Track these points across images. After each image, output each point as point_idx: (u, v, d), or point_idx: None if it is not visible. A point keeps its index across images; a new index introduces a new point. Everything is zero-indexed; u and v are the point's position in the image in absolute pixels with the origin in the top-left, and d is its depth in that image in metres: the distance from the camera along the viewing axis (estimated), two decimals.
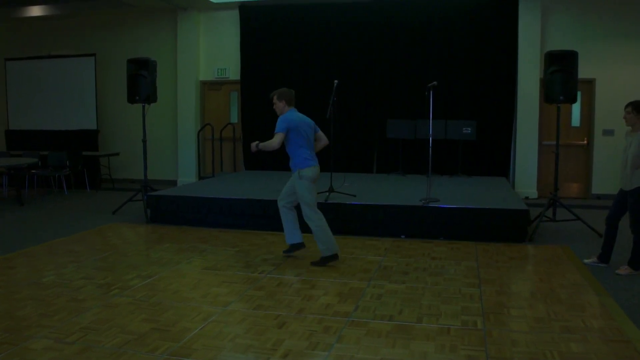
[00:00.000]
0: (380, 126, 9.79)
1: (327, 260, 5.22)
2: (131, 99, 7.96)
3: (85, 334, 3.56)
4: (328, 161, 7.03)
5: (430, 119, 6.70)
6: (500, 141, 9.52)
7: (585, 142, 9.52)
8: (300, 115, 5.28)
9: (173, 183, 10.69)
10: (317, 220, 5.16)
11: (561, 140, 7.37)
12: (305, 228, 5.38)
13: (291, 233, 5.44)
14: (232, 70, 10.75)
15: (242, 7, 10.45)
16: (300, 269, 5.14)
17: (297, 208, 5.37)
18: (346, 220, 6.59)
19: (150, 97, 7.89)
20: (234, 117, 11.03)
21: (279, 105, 5.23)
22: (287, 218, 5.41)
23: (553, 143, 7.32)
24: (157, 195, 7.43)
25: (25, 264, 5.30)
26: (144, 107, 8.00)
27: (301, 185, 5.15)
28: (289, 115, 5.17)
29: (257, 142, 5.18)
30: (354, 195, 6.95)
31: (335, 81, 6.88)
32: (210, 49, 10.89)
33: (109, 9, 10.85)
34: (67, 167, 10.02)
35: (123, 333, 3.57)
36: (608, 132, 9.19)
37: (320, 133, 5.40)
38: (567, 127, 9.41)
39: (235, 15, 10.53)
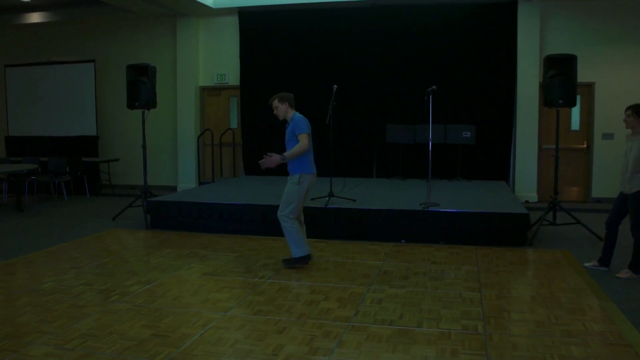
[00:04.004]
0: (380, 131, 9.79)
1: (297, 262, 5.21)
2: (131, 105, 7.97)
3: (85, 340, 3.55)
4: (328, 166, 7.04)
5: (429, 123, 6.70)
6: (500, 145, 9.52)
7: (585, 145, 9.52)
8: None
9: (173, 189, 10.69)
10: (292, 225, 5.13)
11: (561, 144, 7.37)
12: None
13: (298, 245, 5.35)
14: (232, 75, 10.75)
15: (241, 13, 10.46)
16: (300, 274, 5.13)
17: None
18: (346, 224, 6.58)
19: (149, 103, 7.91)
20: (234, 123, 11.04)
21: (281, 107, 5.14)
22: (292, 230, 5.25)
23: (553, 147, 7.32)
24: (157, 201, 7.43)
25: (25, 271, 5.30)
26: (143, 112, 8.02)
27: (296, 190, 5.12)
28: (303, 118, 5.11)
29: (279, 156, 5.02)
30: (354, 200, 6.94)
31: (335, 86, 6.89)
32: (210, 55, 10.91)
33: (109, 15, 10.87)
34: (67, 173, 10.02)
35: (123, 339, 3.57)
36: (608, 136, 9.20)
37: None
38: (567, 130, 9.42)
39: (234, 20, 10.55)
